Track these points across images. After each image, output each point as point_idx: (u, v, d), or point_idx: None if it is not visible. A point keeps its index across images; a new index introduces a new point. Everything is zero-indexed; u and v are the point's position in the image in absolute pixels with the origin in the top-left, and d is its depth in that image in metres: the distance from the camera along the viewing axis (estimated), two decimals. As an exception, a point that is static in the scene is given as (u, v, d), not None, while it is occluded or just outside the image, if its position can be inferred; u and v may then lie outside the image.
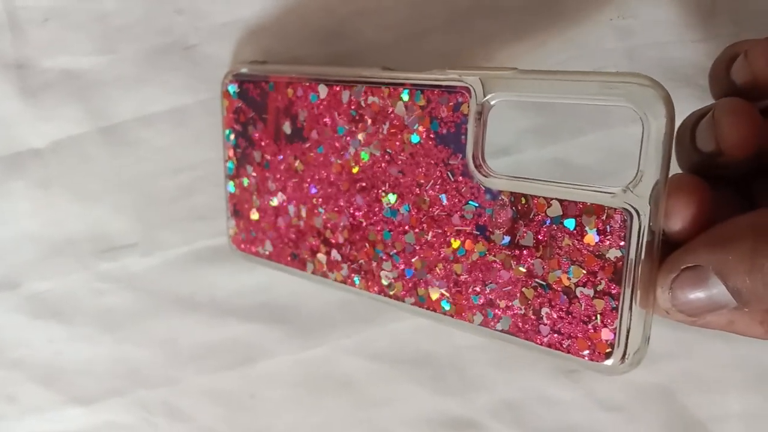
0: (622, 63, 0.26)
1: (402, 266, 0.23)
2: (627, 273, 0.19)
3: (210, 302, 0.33)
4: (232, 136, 0.28)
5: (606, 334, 0.19)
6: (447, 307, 0.23)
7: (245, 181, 0.28)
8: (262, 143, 0.27)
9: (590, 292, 0.19)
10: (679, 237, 0.19)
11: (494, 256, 0.21)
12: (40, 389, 0.38)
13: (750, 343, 0.28)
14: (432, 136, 0.22)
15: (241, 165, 0.28)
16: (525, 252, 0.21)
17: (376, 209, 0.24)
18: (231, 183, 0.29)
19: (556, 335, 0.20)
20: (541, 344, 0.21)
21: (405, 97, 0.22)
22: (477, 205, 0.21)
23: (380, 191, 0.24)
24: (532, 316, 0.21)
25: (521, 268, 0.21)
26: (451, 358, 0.32)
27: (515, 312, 0.21)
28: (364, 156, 0.24)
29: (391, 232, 0.24)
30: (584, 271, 0.20)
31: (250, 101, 0.27)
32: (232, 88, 0.28)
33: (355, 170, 0.24)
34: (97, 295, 0.35)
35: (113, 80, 0.31)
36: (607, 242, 0.19)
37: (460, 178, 0.21)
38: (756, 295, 0.17)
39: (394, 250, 0.24)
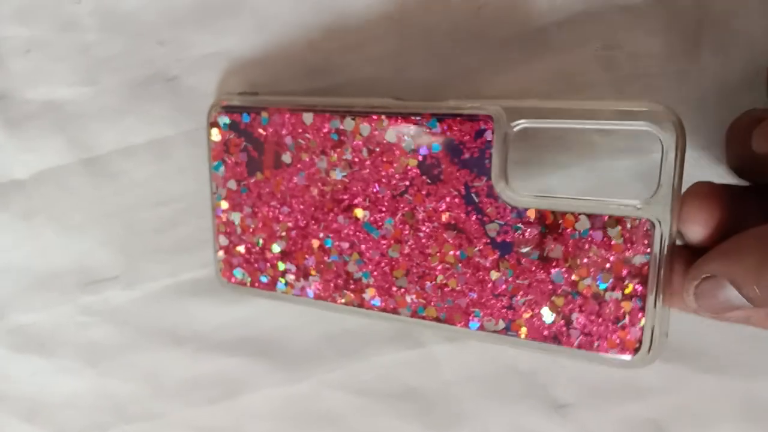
0: (608, 93, 0.25)
1: (433, 291, 0.25)
2: (652, 275, 0.21)
3: (194, 335, 0.33)
4: (222, 168, 0.28)
5: (634, 333, 0.22)
6: (475, 326, 0.25)
7: (235, 214, 0.28)
8: (257, 175, 0.28)
9: (618, 295, 0.22)
10: (698, 241, 0.21)
11: (523, 271, 0.23)
12: (23, 424, 0.37)
13: (741, 375, 0.28)
14: (455, 160, 0.23)
15: (232, 197, 0.28)
16: (554, 264, 0.23)
17: (407, 235, 0.25)
18: (221, 215, 0.29)
19: (585, 337, 0.23)
20: (571, 346, 0.23)
21: (424, 125, 0.24)
22: (503, 223, 0.23)
23: (407, 217, 0.25)
24: (562, 322, 0.23)
25: (551, 280, 0.23)
26: (438, 393, 0.31)
27: (545, 321, 0.23)
28: (378, 188, 0.25)
29: (424, 258, 0.25)
30: (613, 277, 0.22)
31: (244, 133, 0.27)
32: (222, 120, 0.28)
33: (358, 214, 0.26)
34: (80, 328, 0.34)
35: (96, 111, 0.31)
36: (633, 249, 0.22)
37: (485, 199, 0.23)
38: (765, 301, 0.19)
39: (431, 277, 0.25)
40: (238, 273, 0.29)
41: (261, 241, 0.28)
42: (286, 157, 0.27)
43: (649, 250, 0.21)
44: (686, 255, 0.22)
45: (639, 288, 0.22)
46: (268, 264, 0.28)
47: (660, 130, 0.20)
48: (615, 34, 0.25)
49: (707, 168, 0.25)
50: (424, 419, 0.32)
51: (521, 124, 0.22)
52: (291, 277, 0.28)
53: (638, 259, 0.22)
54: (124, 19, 0.29)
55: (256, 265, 0.29)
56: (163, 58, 0.29)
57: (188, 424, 0.35)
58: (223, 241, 0.29)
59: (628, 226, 0.21)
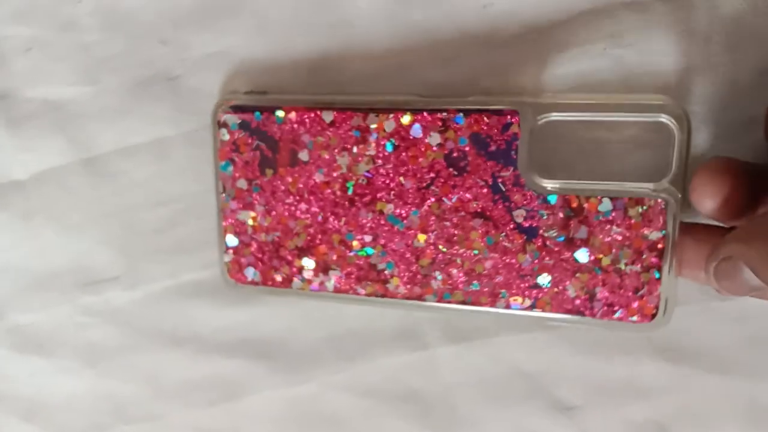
0: (619, 91, 0.26)
1: (459, 276, 0.27)
2: (667, 249, 0.24)
3: (194, 337, 0.33)
4: (231, 168, 0.28)
5: (652, 300, 0.25)
6: (516, 306, 0.27)
7: (246, 213, 0.28)
8: (271, 173, 0.28)
9: (638, 268, 0.25)
10: (708, 214, 0.23)
11: (549, 252, 0.26)
12: (21, 424, 0.37)
13: (745, 376, 0.28)
14: (481, 152, 0.25)
15: (242, 196, 0.28)
16: (578, 244, 0.25)
17: (431, 223, 0.27)
18: (230, 215, 0.29)
19: (607, 308, 0.25)
20: (594, 317, 0.26)
21: (451, 120, 0.25)
22: (530, 209, 0.25)
23: (433, 208, 0.26)
24: (586, 296, 0.26)
25: (575, 259, 0.25)
26: (441, 395, 0.31)
27: (571, 295, 0.26)
28: (403, 182, 0.27)
29: (450, 246, 0.27)
30: (632, 252, 0.25)
31: (256, 131, 0.28)
32: (231, 119, 0.28)
33: (382, 208, 0.27)
34: (80, 328, 0.34)
35: (96, 111, 0.30)
36: (650, 226, 0.24)
37: (512, 187, 0.25)
38: None
39: (458, 264, 0.27)
40: (250, 272, 0.29)
41: (276, 239, 0.28)
42: (304, 155, 0.27)
43: (663, 226, 0.24)
44: (699, 230, 0.24)
45: (655, 260, 0.25)
46: (284, 261, 0.29)
47: (672, 120, 0.23)
48: (623, 31, 0.25)
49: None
50: (429, 421, 0.31)
51: (546, 117, 0.24)
52: (309, 273, 0.28)
53: (654, 235, 0.24)
54: (124, 18, 0.29)
55: (270, 263, 0.29)
56: (164, 58, 0.29)
57: (188, 426, 0.35)
58: (232, 241, 0.29)
59: (645, 206, 0.24)
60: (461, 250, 0.26)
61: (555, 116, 0.24)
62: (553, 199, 0.25)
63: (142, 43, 0.29)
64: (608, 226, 0.25)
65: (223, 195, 0.29)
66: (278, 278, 0.29)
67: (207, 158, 0.29)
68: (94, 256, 0.33)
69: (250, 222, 0.29)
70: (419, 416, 0.31)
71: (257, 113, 0.27)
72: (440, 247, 0.27)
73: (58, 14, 0.29)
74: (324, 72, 0.28)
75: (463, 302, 0.27)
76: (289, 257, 0.28)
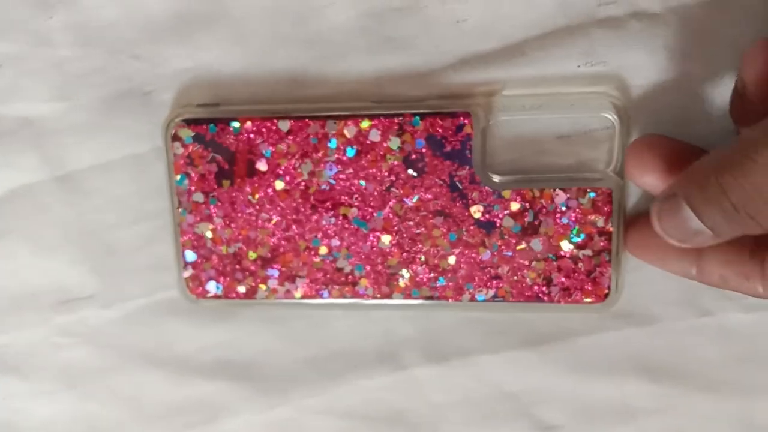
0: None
1: (425, 272, 0.28)
2: (614, 233, 0.26)
3: (173, 357, 0.32)
4: (186, 181, 0.28)
5: (604, 281, 0.27)
6: (480, 298, 0.28)
7: (204, 226, 0.28)
8: (228, 185, 0.28)
9: (589, 252, 0.27)
10: (650, 190, 0.25)
11: (507, 243, 0.27)
12: (-3, 449, 0.36)
13: (733, 394, 0.28)
14: (438, 153, 0.26)
15: (199, 210, 0.28)
16: (533, 233, 0.27)
17: (394, 224, 0.28)
18: (187, 229, 0.29)
19: (564, 292, 0.27)
20: (553, 302, 0.27)
21: (408, 123, 0.27)
22: (486, 205, 0.27)
23: (396, 209, 0.27)
24: (543, 282, 0.27)
25: (531, 248, 0.27)
26: (423, 416, 0.31)
27: (529, 283, 0.27)
28: (362, 183, 0.27)
29: (414, 245, 0.28)
30: (584, 237, 0.26)
31: (211, 144, 0.28)
32: (185, 132, 0.28)
33: (346, 212, 0.28)
34: (56, 349, 0.33)
35: (70, 127, 0.30)
36: (599, 213, 0.26)
37: (468, 185, 0.27)
38: (720, 227, 0.21)
39: (432, 260, 0.28)
40: (212, 286, 0.29)
41: (237, 250, 0.28)
42: (262, 165, 0.28)
43: (610, 212, 0.26)
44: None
45: (604, 244, 0.26)
46: (247, 272, 0.28)
47: (612, 113, 0.25)
48: (597, 48, 0.26)
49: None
50: None
51: (496, 118, 0.26)
52: (274, 282, 0.29)
53: (602, 221, 0.26)
54: (98, 34, 0.29)
55: (233, 276, 0.29)
56: (139, 73, 0.29)
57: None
58: (191, 256, 0.29)
59: (593, 194, 0.26)
60: (425, 248, 0.27)
61: (505, 117, 0.26)
62: (507, 193, 0.26)
63: (115, 59, 0.29)
64: (560, 215, 0.26)
65: (179, 209, 0.28)
66: (242, 290, 0.29)
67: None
68: (69, 275, 0.32)
69: (209, 235, 0.28)
70: (400, 438, 0.31)
71: (212, 125, 0.28)
72: (405, 246, 0.28)
73: (30, 30, 0.29)
74: (301, 86, 0.28)
75: (430, 297, 0.28)
76: (253, 268, 0.28)
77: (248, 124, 0.27)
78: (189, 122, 0.28)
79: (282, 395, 0.32)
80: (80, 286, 0.32)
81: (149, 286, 0.31)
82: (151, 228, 0.30)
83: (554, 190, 0.26)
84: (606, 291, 0.27)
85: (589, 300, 0.27)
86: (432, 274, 0.28)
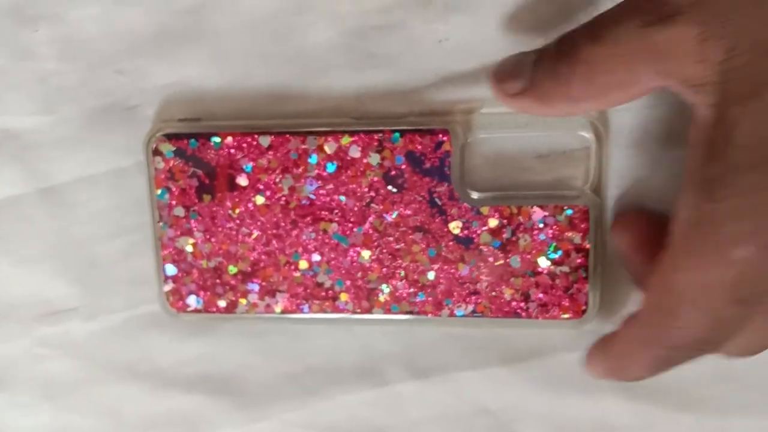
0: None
1: (405, 288, 0.28)
2: (591, 248, 0.26)
3: (154, 370, 0.32)
4: (167, 196, 0.28)
5: (581, 298, 0.27)
6: (459, 313, 0.28)
7: (185, 240, 0.29)
8: (209, 199, 0.28)
9: (566, 269, 0.27)
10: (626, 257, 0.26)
11: (485, 259, 0.27)
12: (-23, 462, 0.36)
13: (713, 412, 0.28)
14: (417, 170, 0.27)
15: (180, 224, 0.28)
16: (512, 250, 0.27)
17: (374, 239, 0.28)
18: (167, 243, 0.29)
19: (542, 308, 0.27)
20: (531, 317, 0.27)
21: (387, 140, 0.27)
22: (465, 221, 0.27)
23: (376, 225, 0.28)
24: (521, 298, 0.27)
25: (509, 264, 0.27)
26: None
27: (507, 298, 0.27)
28: (342, 199, 0.28)
29: (394, 260, 0.28)
30: (561, 254, 0.27)
31: (192, 158, 0.28)
32: (166, 147, 0.28)
33: (326, 227, 0.28)
34: (37, 361, 0.33)
35: (53, 141, 0.30)
36: (576, 230, 0.26)
37: (447, 201, 0.27)
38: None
39: (412, 275, 0.28)
40: (192, 300, 0.29)
41: (218, 264, 0.28)
42: (242, 180, 0.28)
43: (587, 229, 0.26)
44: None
45: (581, 261, 0.27)
46: (227, 286, 0.29)
47: (591, 132, 0.26)
48: None
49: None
50: None
51: (475, 135, 0.26)
52: (254, 297, 0.29)
53: (579, 238, 0.26)
54: (82, 48, 0.29)
55: (213, 290, 0.29)
56: (122, 88, 0.29)
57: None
58: (171, 270, 0.29)
59: (570, 211, 0.26)
60: (405, 263, 0.28)
61: (484, 134, 0.26)
62: (485, 210, 0.27)
63: (99, 73, 0.29)
64: (538, 232, 0.27)
65: (160, 224, 0.29)
66: (222, 304, 0.29)
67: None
68: (51, 288, 0.32)
69: (190, 249, 0.29)
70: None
71: (192, 140, 0.28)
72: (385, 261, 0.28)
73: (15, 43, 0.29)
74: (282, 101, 0.28)
75: (410, 312, 0.28)
76: (233, 282, 0.29)
77: (229, 139, 0.28)
78: (170, 137, 0.28)
79: (263, 409, 0.32)
80: (62, 298, 0.32)
81: (131, 300, 0.31)
82: (134, 242, 0.30)
83: (532, 207, 0.26)
84: (583, 307, 0.27)
85: (566, 316, 0.27)
86: (411, 290, 0.28)
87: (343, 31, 0.27)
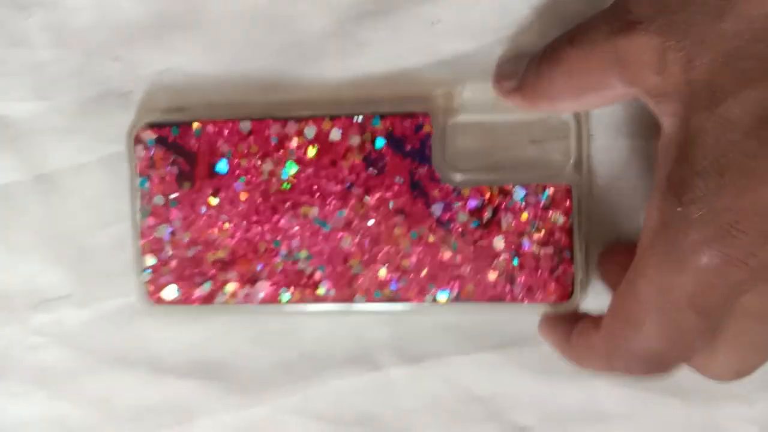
0: None
1: (388, 273, 0.28)
2: (575, 228, 0.26)
3: (146, 358, 0.32)
4: (147, 184, 0.28)
5: (567, 279, 0.27)
6: (444, 298, 0.28)
7: (164, 228, 0.28)
8: (188, 186, 0.28)
9: (551, 249, 0.26)
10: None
11: (467, 242, 0.27)
12: (-32, 451, 0.36)
13: (702, 400, 0.28)
14: (398, 152, 0.27)
15: (159, 212, 0.28)
16: (494, 231, 0.27)
17: (355, 223, 0.28)
18: (146, 232, 0.29)
19: (527, 291, 0.27)
20: (518, 301, 0.27)
21: (368, 123, 0.27)
22: (446, 202, 0.27)
23: (357, 208, 0.27)
24: (505, 280, 0.27)
25: (493, 244, 0.27)
26: (397, 418, 0.31)
27: (492, 281, 0.27)
28: (326, 185, 0.27)
29: (376, 244, 0.28)
30: (544, 234, 0.26)
31: (173, 146, 0.28)
32: (147, 135, 0.28)
33: (307, 211, 0.28)
34: (31, 350, 0.33)
35: (47, 128, 0.30)
36: (559, 209, 0.26)
37: (429, 183, 0.27)
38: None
39: (384, 261, 0.28)
40: (171, 290, 0.29)
41: (197, 253, 0.28)
42: (222, 166, 0.28)
43: (570, 208, 0.26)
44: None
45: (566, 241, 0.26)
46: (207, 275, 0.28)
47: (573, 119, 0.26)
48: None
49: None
50: None
51: (455, 118, 0.27)
52: (233, 285, 0.28)
53: (563, 218, 0.26)
54: (76, 35, 0.29)
55: (191, 280, 0.29)
56: (117, 75, 0.29)
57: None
58: (150, 260, 0.29)
59: (553, 190, 0.26)
60: (387, 248, 0.27)
61: (464, 117, 0.27)
62: (466, 191, 0.27)
63: (93, 60, 0.29)
64: (521, 212, 0.27)
65: (139, 213, 0.29)
66: (201, 294, 0.29)
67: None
68: (44, 276, 0.32)
69: (168, 238, 0.28)
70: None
71: (174, 128, 0.28)
72: (366, 245, 0.27)
73: (8, 30, 0.29)
74: (277, 89, 0.28)
75: (392, 299, 0.28)
76: (213, 271, 0.28)
77: (210, 126, 0.28)
78: (152, 126, 0.28)
79: (256, 395, 0.32)
80: (55, 286, 0.32)
81: (123, 288, 0.31)
82: (126, 229, 0.30)
83: (513, 186, 0.26)
84: (570, 289, 0.27)
85: (552, 299, 0.27)
86: (394, 274, 0.28)
87: (335, 17, 0.27)
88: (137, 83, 0.29)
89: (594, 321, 0.24)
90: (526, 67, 0.24)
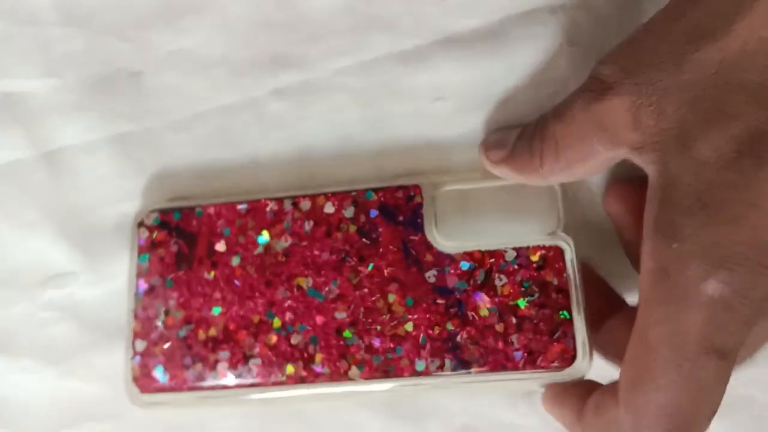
0: (571, 88, 0.26)
1: (382, 343, 0.27)
2: (571, 289, 0.25)
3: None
4: (146, 265, 0.29)
5: (569, 342, 0.25)
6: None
7: (159, 308, 0.29)
8: (186, 267, 0.29)
9: (548, 311, 0.26)
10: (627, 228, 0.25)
11: (461, 306, 0.26)
12: (-20, 424, 0.36)
13: None
14: (390, 222, 0.27)
15: (156, 292, 0.29)
16: (489, 294, 0.26)
17: (353, 295, 0.27)
18: (140, 313, 0.29)
19: (528, 356, 0.25)
20: (517, 369, 0.25)
21: (361, 197, 0.28)
22: (440, 268, 0.27)
23: (351, 278, 0.27)
24: (504, 346, 0.26)
25: (488, 310, 0.26)
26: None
27: (490, 348, 0.26)
28: (320, 256, 0.28)
29: (371, 313, 0.27)
30: (541, 297, 0.26)
31: (175, 229, 0.29)
32: (152, 217, 0.29)
33: (301, 283, 0.28)
34: (41, 325, 0.33)
35: (57, 106, 0.30)
36: (553, 270, 0.26)
37: (422, 250, 0.27)
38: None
39: (379, 332, 0.27)
40: (158, 373, 0.29)
41: (189, 333, 0.28)
42: (221, 245, 0.28)
43: (564, 269, 0.26)
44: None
45: (563, 302, 0.25)
46: (198, 356, 0.28)
47: (556, 183, 0.26)
48: (579, 31, 0.27)
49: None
50: (392, 411, 0.30)
51: (444, 187, 0.27)
52: (224, 365, 0.28)
53: (558, 278, 0.26)
54: (87, 13, 0.29)
55: (182, 361, 0.28)
56: (126, 55, 0.29)
57: (149, 426, 0.34)
58: (140, 346, 0.29)
59: (545, 252, 0.26)
60: (382, 317, 0.27)
61: (452, 186, 0.27)
62: (459, 256, 0.27)
63: (102, 39, 0.29)
64: (515, 276, 0.26)
65: (135, 293, 0.29)
66: (190, 376, 0.28)
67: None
68: (54, 253, 0.32)
69: (162, 319, 0.29)
70: (383, 405, 0.31)
71: (176, 212, 0.29)
72: (361, 315, 0.27)
73: (19, 7, 0.29)
74: (286, 65, 0.28)
75: (386, 372, 0.27)
76: (203, 352, 0.28)
77: (211, 209, 0.29)
78: (160, 210, 0.29)
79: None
80: (63, 263, 0.32)
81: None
82: (133, 207, 0.31)
83: (505, 249, 0.26)
84: (572, 353, 0.25)
85: (555, 364, 0.25)
86: (390, 344, 0.27)
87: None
88: (147, 63, 0.29)
89: (610, 393, 0.22)
90: (518, 142, 0.25)
